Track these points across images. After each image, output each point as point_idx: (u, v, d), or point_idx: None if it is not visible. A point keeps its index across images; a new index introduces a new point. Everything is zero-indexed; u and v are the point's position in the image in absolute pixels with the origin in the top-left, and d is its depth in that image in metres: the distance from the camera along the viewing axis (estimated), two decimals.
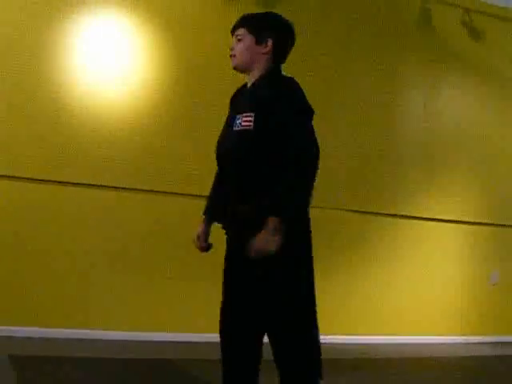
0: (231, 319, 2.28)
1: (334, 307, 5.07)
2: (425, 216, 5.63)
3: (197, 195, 4.41)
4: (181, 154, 4.72)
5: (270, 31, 2.24)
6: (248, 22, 2.27)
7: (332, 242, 5.14)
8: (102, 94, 4.55)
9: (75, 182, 4.43)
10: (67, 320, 4.32)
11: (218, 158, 2.32)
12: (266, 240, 1.99)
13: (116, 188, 4.54)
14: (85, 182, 4.45)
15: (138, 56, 4.70)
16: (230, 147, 2.21)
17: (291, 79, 2.22)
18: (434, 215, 5.66)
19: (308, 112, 2.17)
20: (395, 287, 5.44)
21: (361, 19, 5.51)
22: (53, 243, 4.37)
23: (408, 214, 5.57)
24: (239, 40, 2.26)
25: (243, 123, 2.13)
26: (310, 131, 2.11)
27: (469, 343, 5.59)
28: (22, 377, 3.00)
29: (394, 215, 5.52)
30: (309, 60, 5.18)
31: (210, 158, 3.85)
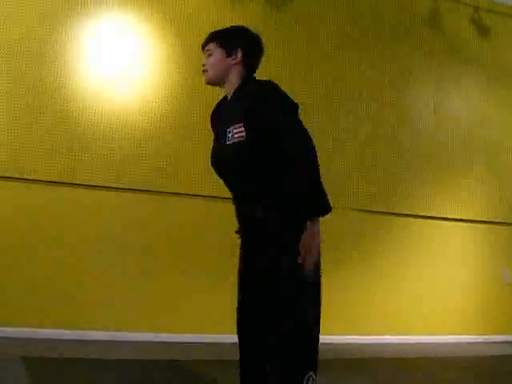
0: (246, 319, 2.30)
1: (341, 307, 5.07)
2: (436, 215, 5.61)
3: (212, 196, 4.46)
4: (191, 155, 4.75)
5: (239, 42, 2.31)
6: (217, 37, 2.34)
7: (340, 241, 5.14)
8: (114, 98, 4.60)
9: (89, 184, 4.47)
10: (79, 321, 4.34)
11: (217, 170, 2.37)
12: (315, 244, 2.09)
13: (131, 190, 4.58)
14: (100, 184, 4.50)
15: (150, 58, 4.74)
16: (228, 159, 2.26)
17: (268, 81, 2.24)
18: (444, 214, 5.64)
19: (293, 107, 2.20)
20: (406, 287, 5.42)
21: (370, 17, 5.52)
22: (64, 245, 4.39)
23: (418, 214, 5.56)
24: (210, 55, 2.33)
25: (235, 135, 2.18)
26: (300, 127, 2.13)
27: (482, 342, 5.56)
28: (35, 378, 3.01)
29: (405, 215, 5.50)
30: (318, 58, 5.20)
31: None
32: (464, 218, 5.72)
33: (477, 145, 5.87)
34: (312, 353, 2.15)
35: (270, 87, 2.20)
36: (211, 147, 2.40)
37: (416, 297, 5.43)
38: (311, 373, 2.09)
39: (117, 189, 4.55)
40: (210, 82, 2.36)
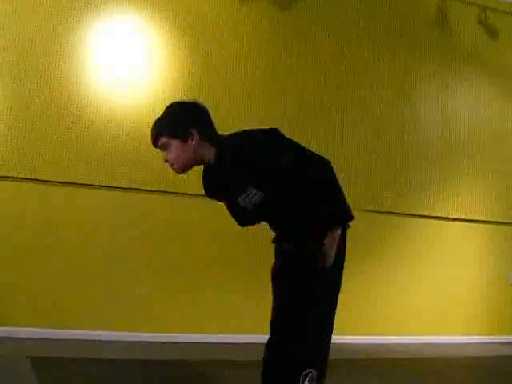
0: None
1: (352, 308, 5.06)
2: (443, 216, 5.59)
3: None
4: None
5: (187, 126, 2.15)
6: (163, 130, 2.16)
7: (349, 242, 5.11)
8: (121, 99, 4.61)
9: (98, 184, 4.49)
10: (86, 321, 4.35)
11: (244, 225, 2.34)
12: (331, 249, 2.17)
13: (142, 190, 4.60)
14: (109, 184, 4.51)
15: (156, 58, 4.74)
16: (256, 217, 2.27)
17: (244, 135, 2.18)
18: (452, 215, 5.63)
19: (277, 138, 2.17)
20: (414, 287, 5.41)
21: (377, 17, 5.52)
22: (72, 245, 4.40)
23: (426, 214, 5.55)
24: (166, 149, 2.16)
25: (253, 199, 2.15)
26: (306, 154, 2.13)
27: (490, 342, 5.54)
28: (42, 378, 3.01)
29: (413, 215, 5.49)
30: (326, 56, 5.21)
31: None
32: (471, 218, 5.70)
33: (486, 145, 5.86)
34: (313, 350, 2.15)
35: (248, 137, 2.16)
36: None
37: (425, 297, 5.42)
38: (310, 369, 2.08)
39: (123, 188, 4.56)
40: (183, 172, 2.23)
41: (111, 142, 4.54)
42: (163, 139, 2.15)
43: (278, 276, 2.25)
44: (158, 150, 2.19)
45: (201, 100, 4.45)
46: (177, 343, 4.44)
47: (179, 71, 4.79)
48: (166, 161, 2.17)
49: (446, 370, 4.17)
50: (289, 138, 2.16)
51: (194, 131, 2.13)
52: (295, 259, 2.18)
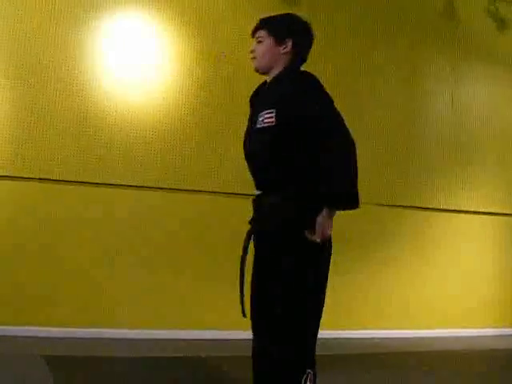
0: (253, 305, 2.28)
1: (363, 301, 5.06)
2: (458, 208, 5.57)
3: (224, 192, 4.46)
4: (204, 153, 4.76)
5: (289, 32, 2.29)
6: (268, 24, 2.31)
7: (364, 236, 5.12)
8: (133, 97, 4.61)
9: (110, 183, 4.49)
10: (99, 320, 4.36)
11: (245, 155, 2.36)
12: (325, 225, 2.06)
13: (143, 187, 4.58)
14: (109, 182, 4.50)
15: (167, 59, 4.74)
16: (255, 145, 2.27)
17: (309, 74, 2.25)
18: (467, 207, 5.60)
19: (332, 103, 2.20)
20: (429, 280, 5.39)
21: (386, 10, 5.49)
22: (84, 245, 4.41)
23: (441, 207, 5.52)
24: (259, 42, 2.31)
25: (265, 120, 2.17)
26: (343, 121, 2.15)
27: (504, 335, 5.51)
28: (58, 377, 3.03)
29: (427, 208, 5.47)
30: (333, 51, 5.19)
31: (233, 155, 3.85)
32: (483, 210, 5.67)
33: (498, 137, 5.82)
34: (311, 351, 2.14)
35: (309, 80, 2.21)
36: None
37: (439, 290, 5.39)
38: (310, 370, 2.09)
39: (129, 186, 4.55)
40: (258, 70, 2.34)
41: (113, 140, 4.54)
42: (262, 32, 2.29)
43: (260, 251, 2.20)
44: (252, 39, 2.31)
45: (209, 98, 4.45)
46: (192, 340, 4.46)
47: (188, 70, 4.79)
48: (252, 51, 2.31)
49: (459, 363, 4.16)
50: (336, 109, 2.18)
51: (290, 42, 2.27)
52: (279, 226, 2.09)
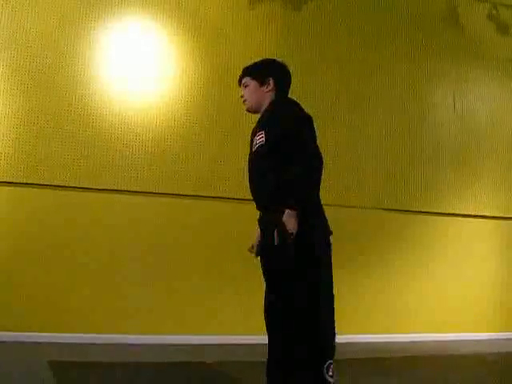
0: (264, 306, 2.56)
1: (363, 306, 5.06)
2: (463, 213, 5.58)
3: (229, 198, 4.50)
4: (211, 158, 4.77)
5: (269, 73, 2.66)
6: (249, 71, 2.70)
7: (370, 241, 5.15)
8: (133, 102, 4.63)
9: (113, 188, 4.52)
10: (103, 326, 4.37)
11: (248, 175, 2.68)
12: (286, 222, 2.32)
13: (143, 193, 4.61)
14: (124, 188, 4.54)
15: (169, 62, 4.75)
16: (251, 166, 2.63)
17: (288, 99, 2.63)
18: (473, 212, 5.61)
19: (305, 120, 2.51)
20: (427, 284, 5.39)
21: (389, 14, 5.52)
22: (89, 250, 4.43)
23: (446, 212, 5.53)
24: (246, 86, 2.68)
25: (258, 141, 2.54)
26: (310, 136, 2.47)
27: (507, 339, 5.50)
28: (62, 381, 3.03)
29: (433, 213, 5.48)
30: (336, 56, 5.21)
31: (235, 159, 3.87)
32: (485, 214, 5.67)
33: (502, 140, 5.83)
34: (330, 341, 2.33)
35: (285, 105, 2.58)
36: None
37: (438, 295, 5.39)
38: (330, 361, 2.26)
39: (129, 192, 4.58)
40: (249, 110, 2.70)
41: (117, 144, 4.56)
42: (247, 78, 2.68)
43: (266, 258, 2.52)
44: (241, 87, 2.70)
45: (211, 103, 4.42)
46: (194, 345, 4.46)
47: (189, 73, 4.80)
48: (242, 96, 2.69)
49: (462, 367, 4.15)
50: (312, 134, 2.50)
51: (271, 81, 2.64)
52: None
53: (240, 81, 2.73)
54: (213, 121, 4.81)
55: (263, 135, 2.50)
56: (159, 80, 4.72)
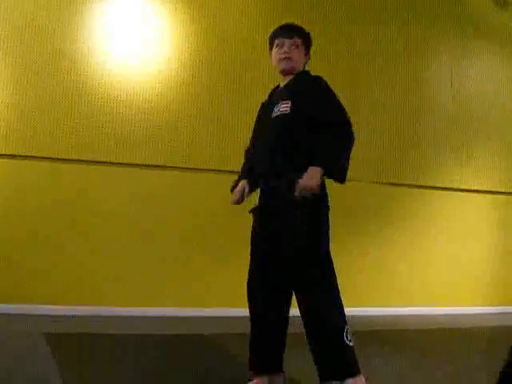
0: (262, 283, 2.51)
1: (367, 280, 5.08)
2: (460, 187, 5.58)
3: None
4: (210, 133, 4.75)
5: (310, 46, 2.70)
6: (303, 35, 2.66)
7: (357, 214, 5.15)
8: (142, 79, 4.63)
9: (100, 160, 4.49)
10: (101, 298, 4.38)
11: (256, 139, 2.69)
12: (309, 179, 2.32)
13: (149, 166, 4.61)
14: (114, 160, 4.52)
15: (169, 39, 4.72)
16: (269, 130, 2.56)
17: (320, 77, 2.57)
18: (469, 186, 5.61)
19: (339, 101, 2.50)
20: (425, 259, 5.41)
21: None
22: (92, 224, 4.43)
23: (443, 186, 5.52)
24: (296, 47, 2.62)
25: (281, 109, 2.50)
26: (345, 111, 2.46)
27: (502, 313, 5.54)
28: (57, 352, 3.03)
29: (430, 187, 5.48)
30: (335, 34, 5.17)
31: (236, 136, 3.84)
32: (489, 189, 5.68)
33: (495, 117, 5.80)
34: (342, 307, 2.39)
35: (321, 78, 2.55)
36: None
37: (434, 269, 5.41)
38: (347, 326, 2.34)
39: (131, 164, 4.57)
40: (288, 69, 2.62)
41: (119, 120, 4.53)
42: (299, 40, 2.63)
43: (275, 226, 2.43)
44: (285, 40, 2.61)
45: (212, 78, 4.37)
46: (195, 317, 4.47)
47: (191, 49, 4.77)
48: (288, 52, 2.59)
49: (457, 341, 4.17)
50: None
51: (309, 54, 2.69)
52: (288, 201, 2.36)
53: (291, 35, 2.63)
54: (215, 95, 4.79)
55: (288, 104, 2.48)
56: (157, 60, 4.69)
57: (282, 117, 2.48)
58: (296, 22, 4.90)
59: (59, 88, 4.38)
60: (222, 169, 4.68)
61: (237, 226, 4.76)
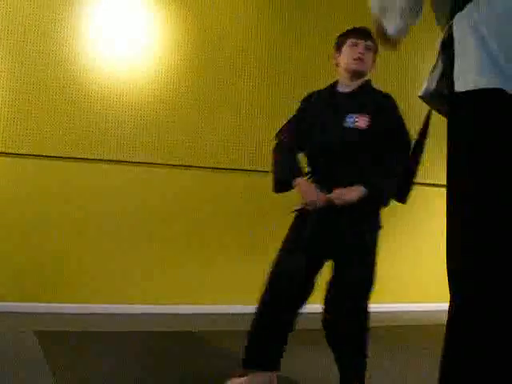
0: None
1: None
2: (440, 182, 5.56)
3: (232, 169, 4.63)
4: (195, 128, 4.75)
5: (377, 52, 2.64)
6: (375, 42, 2.58)
7: None
8: (125, 73, 4.60)
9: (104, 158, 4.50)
10: (90, 295, 4.38)
11: (322, 149, 2.57)
12: (348, 191, 2.40)
13: (143, 164, 4.61)
14: (115, 158, 4.53)
15: (158, 32, 4.71)
16: (343, 142, 2.49)
17: (388, 94, 2.60)
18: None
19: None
20: (420, 255, 5.42)
21: None
22: (79, 219, 4.42)
23: (433, 182, 5.50)
24: (369, 50, 2.58)
25: (358, 123, 2.46)
26: (409, 137, 2.49)
27: None
28: (48, 351, 3.03)
29: (420, 183, 5.46)
30: (326, 35, 5.16)
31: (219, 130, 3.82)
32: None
33: None
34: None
35: (392, 99, 2.58)
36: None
37: (428, 264, 5.40)
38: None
39: (128, 162, 4.56)
40: (360, 71, 2.57)
41: (105, 116, 4.52)
42: (372, 44, 2.58)
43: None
44: (360, 41, 2.57)
45: (196, 74, 4.34)
46: (184, 314, 4.47)
47: (176, 45, 4.75)
48: (361, 54, 2.55)
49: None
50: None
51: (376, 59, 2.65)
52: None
53: (366, 38, 2.58)
54: (201, 93, 4.78)
55: (367, 119, 2.47)
56: (148, 51, 4.67)
57: (359, 132, 2.46)
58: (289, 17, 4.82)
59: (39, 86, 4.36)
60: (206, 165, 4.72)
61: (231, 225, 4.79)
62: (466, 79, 1.27)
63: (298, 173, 2.55)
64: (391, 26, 1.54)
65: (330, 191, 2.43)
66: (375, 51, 2.61)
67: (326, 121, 2.56)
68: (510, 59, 1.22)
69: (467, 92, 1.27)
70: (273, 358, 2.47)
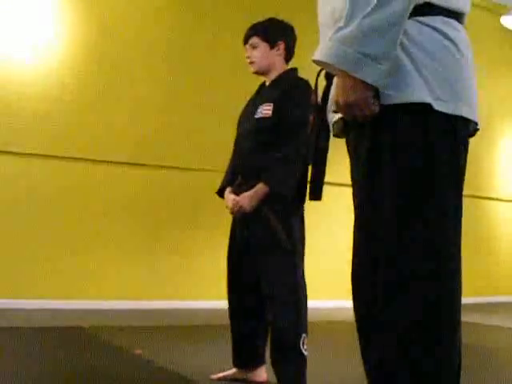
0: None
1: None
2: None
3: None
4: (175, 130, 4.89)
5: (280, 35, 2.59)
6: (259, 31, 2.57)
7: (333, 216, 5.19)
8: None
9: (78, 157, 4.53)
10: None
11: (237, 140, 2.67)
12: (242, 199, 2.43)
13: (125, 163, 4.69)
14: (90, 157, 4.56)
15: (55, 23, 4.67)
16: (249, 129, 2.57)
17: (303, 82, 2.52)
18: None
19: (309, 108, 2.35)
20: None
21: None
22: (40, 216, 4.43)
23: None
24: (254, 48, 2.56)
25: (263, 112, 2.50)
26: (305, 129, 2.35)
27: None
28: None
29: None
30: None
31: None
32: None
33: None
34: (305, 317, 2.40)
35: (301, 82, 2.52)
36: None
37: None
38: (304, 335, 2.34)
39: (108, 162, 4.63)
40: (257, 73, 2.60)
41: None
42: (255, 39, 2.55)
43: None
44: (244, 47, 2.59)
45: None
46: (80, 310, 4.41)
47: (75, 32, 4.72)
48: (249, 57, 2.57)
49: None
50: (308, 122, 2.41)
51: (282, 45, 2.57)
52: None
53: (247, 40, 2.59)
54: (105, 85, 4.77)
55: (270, 107, 2.48)
56: (46, 42, 4.62)
57: (263, 120, 2.50)
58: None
59: None
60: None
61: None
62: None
63: (227, 183, 2.63)
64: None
65: (247, 183, 2.48)
66: (265, 38, 2.54)
67: (245, 114, 2.67)
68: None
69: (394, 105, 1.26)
70: (251, 355, 2.54)
